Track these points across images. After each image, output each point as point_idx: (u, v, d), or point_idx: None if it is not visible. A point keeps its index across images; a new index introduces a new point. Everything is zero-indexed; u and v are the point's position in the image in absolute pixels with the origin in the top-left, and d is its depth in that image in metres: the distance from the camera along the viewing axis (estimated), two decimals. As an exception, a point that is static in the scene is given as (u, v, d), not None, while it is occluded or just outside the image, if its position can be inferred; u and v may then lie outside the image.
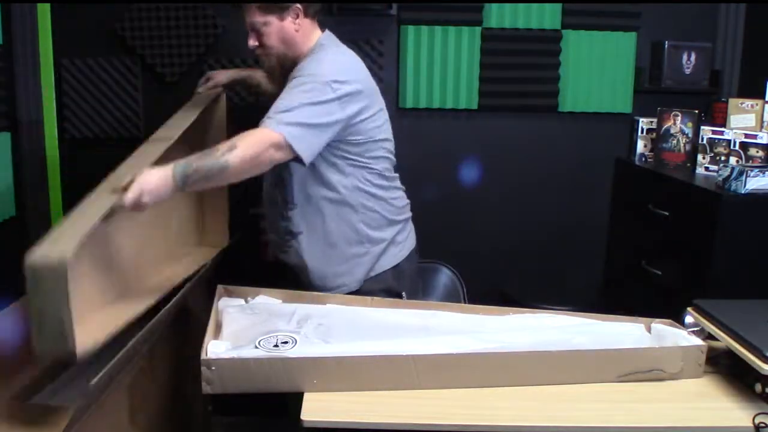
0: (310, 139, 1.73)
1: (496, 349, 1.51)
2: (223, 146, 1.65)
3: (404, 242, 2.02)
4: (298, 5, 1.83)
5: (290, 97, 1.74)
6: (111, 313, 1.57)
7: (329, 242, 1.92)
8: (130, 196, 1.53)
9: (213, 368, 1.38)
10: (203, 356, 1.40)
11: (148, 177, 1.57)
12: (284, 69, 1.89)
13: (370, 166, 1.90)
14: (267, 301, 1.80)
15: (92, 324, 1.47)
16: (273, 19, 1.83)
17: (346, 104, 1.78)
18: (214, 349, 1.43)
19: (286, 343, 1.51)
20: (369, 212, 1.93)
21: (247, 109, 2.72)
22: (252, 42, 1.87)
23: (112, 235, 1.71)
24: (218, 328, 1.62)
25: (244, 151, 1.65)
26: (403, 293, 1.97)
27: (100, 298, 1.62)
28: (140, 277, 1.83)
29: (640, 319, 1.74)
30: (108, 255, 1.70)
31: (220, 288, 1.78)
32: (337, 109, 1.76)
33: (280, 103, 1.74)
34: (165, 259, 2.03)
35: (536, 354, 1.50)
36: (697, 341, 1.58)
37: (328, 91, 1.75)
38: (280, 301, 1.80)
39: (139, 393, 1.62)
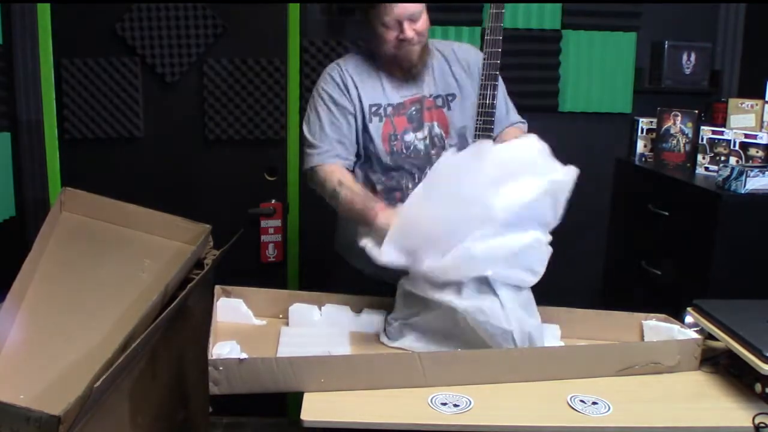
0: None
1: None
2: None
3: None
4: None
5: None
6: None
7: None
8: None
9: (220, 368, 1.37)
10: (210, 357, 1.39)
11: None
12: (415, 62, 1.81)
13: None
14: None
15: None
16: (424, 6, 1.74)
17: None
18: (219, 350, 1.43)
19: None
20: None
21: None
22: (410, 33, 1.71)
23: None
24: (219, 328, 1.62)
25: None
26: None
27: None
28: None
29: (636, 314, 1.75)
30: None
31: (217, 288, 1.77)
32: None
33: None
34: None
35: (538, 350, 1.53)
36: (693, 335, 1.59)
37: None
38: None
39: (140, 394, 1.61)
